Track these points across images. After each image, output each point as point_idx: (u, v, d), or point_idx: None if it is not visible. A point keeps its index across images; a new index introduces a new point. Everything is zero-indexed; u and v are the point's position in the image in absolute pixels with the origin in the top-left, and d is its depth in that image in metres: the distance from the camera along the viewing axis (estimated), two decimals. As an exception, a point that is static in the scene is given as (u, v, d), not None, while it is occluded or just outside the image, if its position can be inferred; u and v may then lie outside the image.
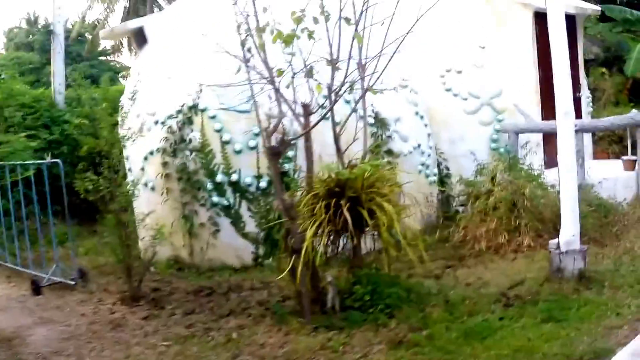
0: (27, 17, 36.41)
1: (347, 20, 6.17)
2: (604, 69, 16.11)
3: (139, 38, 10.05)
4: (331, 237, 6.27)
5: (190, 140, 8.38)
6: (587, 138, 11.45)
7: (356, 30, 6.17)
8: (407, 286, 6.42)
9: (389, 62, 6.52)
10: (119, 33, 10.47)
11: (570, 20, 10.85)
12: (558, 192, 8.48)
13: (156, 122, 8.64)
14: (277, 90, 6.32)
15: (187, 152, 8.44)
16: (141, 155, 8.81)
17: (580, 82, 10.98)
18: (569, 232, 6.48)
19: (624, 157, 9.88)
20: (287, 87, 6.43)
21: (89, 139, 7.70)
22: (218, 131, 8.22)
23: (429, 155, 9.54)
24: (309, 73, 6.39)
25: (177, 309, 6.74)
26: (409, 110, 9.35)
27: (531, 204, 8.14)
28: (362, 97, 6.75)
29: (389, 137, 8.88)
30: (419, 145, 9.32)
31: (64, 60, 13.36)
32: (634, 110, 9.67)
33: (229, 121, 8.17)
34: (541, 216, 8.11)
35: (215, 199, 8.24)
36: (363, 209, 6.05)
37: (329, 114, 6.59)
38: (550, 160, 10.38)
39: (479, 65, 10.06)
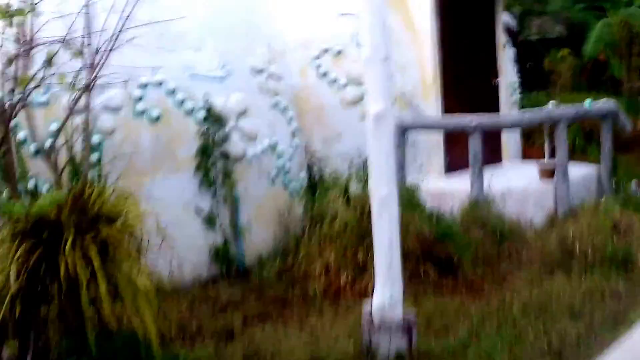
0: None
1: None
2: (567, 50, 13.98)
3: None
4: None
5: (-17, 138, 6.57)
6: (514, 133, 9.38)
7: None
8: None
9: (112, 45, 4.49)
10: None
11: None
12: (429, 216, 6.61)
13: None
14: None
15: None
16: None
17: (499, 66, 8.87)
18: (384, 294, 4.48)
19: (539, 164, 7.80)
20: None
21: None
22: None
23: (290, 158, 7.52)
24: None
25: None
26: (262, 101, 7.32)
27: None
28: (86, 90, 4.73)
29: (225, 136, 6.87)
30: (275, 146, 7.32)
31: None
32: (552, 103, 7.61)
33: (26, 115, 6.23)
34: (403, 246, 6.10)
35: (11, 210, 6.41)
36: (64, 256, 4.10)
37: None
38: (454, 162, 8.37)
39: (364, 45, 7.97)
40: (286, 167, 7.46)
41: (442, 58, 8.24)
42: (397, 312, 4.45)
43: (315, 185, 7.86)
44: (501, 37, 8.81)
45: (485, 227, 6.88)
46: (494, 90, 8.80)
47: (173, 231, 6.61)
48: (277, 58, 7.72)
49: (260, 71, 7.37)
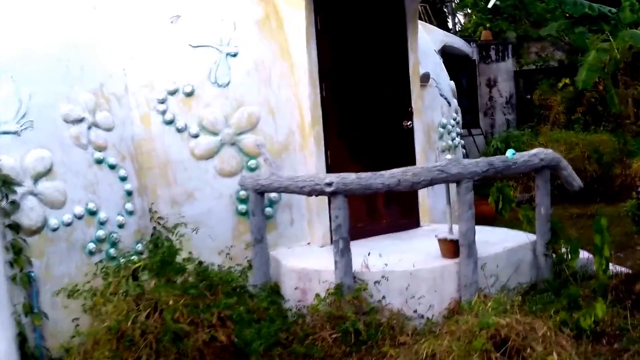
0: None
1: None
2: (566, 80, 11.99)
3: None
4: None
5: None
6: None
7: None
8: None
9: None
10: None
11: (395, 6, 7.05)
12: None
13: None
14: None
15: None
16: None
17: (413, 104, 7.07)
18: None
19: (439, 236, 5.92)
20: None
21: None
22: None
23: (120, 226, 6.01)
24: None
25: None
26: (78, 157, 5.85)
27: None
28: None
29: (13, 203, 5.42)
30: (94, 212, 5.83)
31: None
32: (447, 157, 5.81)
33: None
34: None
35: None
36: None
37: None
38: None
39: (223, 83, 6.42)
40: (113, 238, 5.95)
41: (327, 96, 6.55)
42: None
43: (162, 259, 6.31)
44: (416, 68, 7.03)
45: (341, 326, 5.11)
46: (407, 134, 7.01)
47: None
48: (111, 103, 6.25)
49: (77, 121, 5.91)
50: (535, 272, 6.07)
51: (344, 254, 5.42)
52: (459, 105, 8.49)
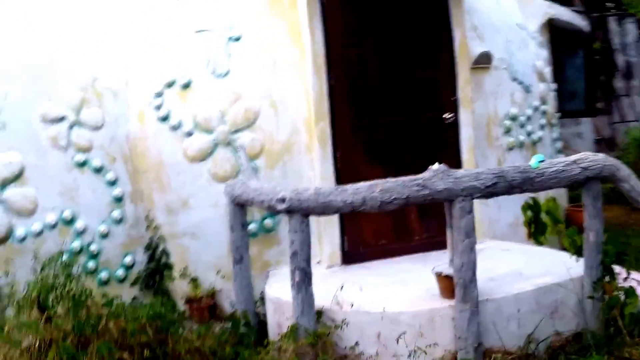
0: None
1: None
2: None
3: None
4: None
5: None
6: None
7: None
8: None
9: None
10: None
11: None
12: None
13: None
14: None
15: None
16: None
17: (459, 94, 5.61)
18: None
19: (437, 269, 4.52)
20: None
21: None
22: None
23: (104, 236, 5.46)
24: None
25: None
26: (55, 160, 5.38)
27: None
28: None
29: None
30: (71, 220, 5.33)
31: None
32: (436, 166, 4.41)
33: None
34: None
35: None
36: None
37: None
38: (356, 247, 5.55)
39: (221, 73, 5.56)
40: (92, 249, 5.41)
41: (337, 85, 5.39)
42: None
43: (159, 273, 5.70)
44: (463, 47, 5.56)
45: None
46: (451, 127, 5.60)
47: None
48: (104, 99, 5.67)
49: (57, 120, 5.43)
50: (582, 319, 4.51)
51: (300, 289, 4.37)
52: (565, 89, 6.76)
